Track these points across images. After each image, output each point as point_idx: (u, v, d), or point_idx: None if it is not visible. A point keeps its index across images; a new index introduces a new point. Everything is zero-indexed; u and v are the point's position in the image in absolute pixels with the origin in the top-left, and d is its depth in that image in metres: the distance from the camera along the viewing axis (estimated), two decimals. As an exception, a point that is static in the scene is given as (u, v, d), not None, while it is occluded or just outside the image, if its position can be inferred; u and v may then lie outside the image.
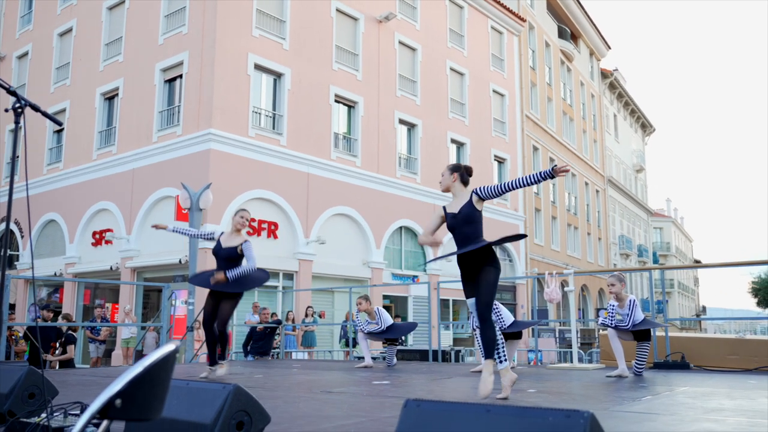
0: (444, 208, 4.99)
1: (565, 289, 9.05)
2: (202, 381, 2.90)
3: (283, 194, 17.56)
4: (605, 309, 7.13)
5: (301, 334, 15.89)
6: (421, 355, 11.52)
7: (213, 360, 6.69)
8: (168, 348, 1.59)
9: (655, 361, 8.05)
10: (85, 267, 19.02)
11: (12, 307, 19.42)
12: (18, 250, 22.01)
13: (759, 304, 37.41)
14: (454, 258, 4.88)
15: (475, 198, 4.78)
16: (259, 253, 15.87)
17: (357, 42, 20.60)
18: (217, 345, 6.71)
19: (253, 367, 9.48)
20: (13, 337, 12.23)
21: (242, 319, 15.19)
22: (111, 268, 18.01)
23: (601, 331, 11.90)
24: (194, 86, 16.79)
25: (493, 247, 4.78)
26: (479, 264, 4.72)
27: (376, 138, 20.70)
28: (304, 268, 17.94)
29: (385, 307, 18.87)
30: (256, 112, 17.52)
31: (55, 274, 19.43)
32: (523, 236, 5.13)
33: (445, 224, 4.99)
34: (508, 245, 26.31)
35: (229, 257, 6.61)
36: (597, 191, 39.22)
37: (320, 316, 17.38)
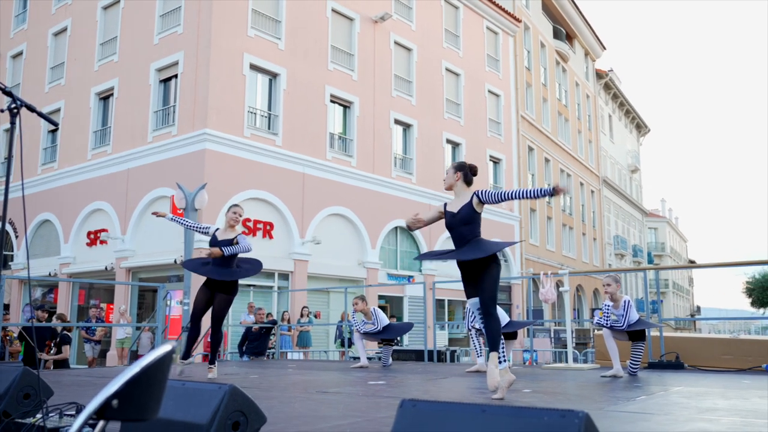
0: (445, 205, 5.00)
1: (560, 289, 9.07)
2: (197, 381, 2.89)
3: (278, 194, 17.55)
4: (600, 309, 7.15)
5: (296, 335, 15.88)
6: (417, 356, 11.53)
7: (188, 353, 6.67)
8: (164, 349, 1.59)
9: (649, 361, 8.08)
10: (80, 267, 18.97)
11: (6, 307, 19.36)
12: (12, 250, 21.94)
13: (753, 304, 37.54)
14: (451, 259, 4.90)
15: (475, 200, 4.80)
16: (255, 253, 15.84)
17: (352, 42, 20.60)
18: (197, 340, 6.71)
19: (249, 367, 9.48)
20: (8, 338, 12.19)
21: (237, 320, 15.18)
22: (106, 268, 17.97)
23: (596, 331, 11.93)
24: (189, 86, 16.77)
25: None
26: (481, 262, 4.74)
27: (371, 138, 20.71)
28: (299, 268, 17.93)
29: (380, 307, 18.87)
30: (251, 112, 17.50)
31: (50, 274, 19.38)
32: (519, 241, 5.19)
33: (442, 220, 5.01)
34: (503, 245, 26.31)
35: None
36: (592, 191, 39.30)
37: (316, 317, 17.37)
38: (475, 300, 4.82)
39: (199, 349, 11.91)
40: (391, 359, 9.38)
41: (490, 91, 26.73)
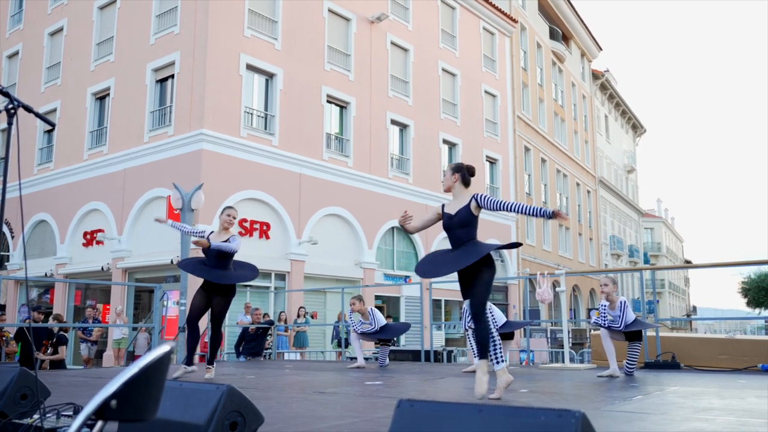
0: (443, 206, 5.01)
1: (557, 289, 9.09)
2: (195, 382, 2.90)
3: (275, 195, 17.55)
4: (597, 309, 7.18)
5: (293, 335, 15.88)
6: (414, 356, 11.53)
7: (190, 359, 6.58)
8: (163, 349, 1.60)
9: (645, 361, 8.10)
10: (76, 267, 18.93)
11: (2, 307, 19.32)
12: (8, 251, 21.89)
13: (749, 304, 37.62)
14: (449, 272, 4.91)
15: (473, 204, 4.80)
16: (252, 254, 15.85)
17: (349, 42, 20.60)
18: (197, 344, 6.65)
19: (246, 367, 9.48)
20: (4, 338, 12.17)
21: (234, 320, 15.17)
22: (102, 268, 17.94)
23: (592, 331, 11.95)
24: (186, 86, 16.75)
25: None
26: (474, 265, 4.74)
27: (368, 138, 20.71)
28: (296, 269, 17.92)
29: (377, 307, 18.88)
30: (247, 113, 17.49)
31: (46, 274, 19.34)
32: (518, 245, 5.13)
33: (440, 222, 5.02)
34: (499, 246, 26.33)
35: (218, 253, 6.58)
36: (588, 192, 39.36)
37: (312, 317, 17.37)
38: (468, 303, 4.82)
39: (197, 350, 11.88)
40: (387, 359, 9.39)
41: (486, 92, 26.76)
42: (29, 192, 20.50)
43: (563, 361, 9.14)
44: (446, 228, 4.91)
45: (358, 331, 9.06)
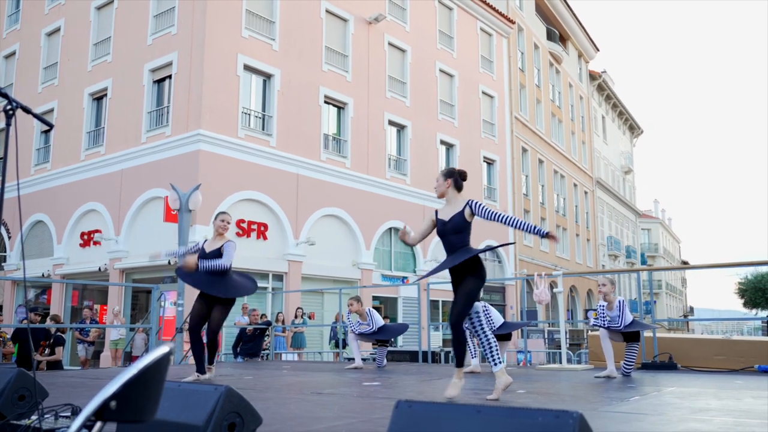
0: (436, 212, 5.01)
1: (554, 290, 9.09)
2: (193, 383, 2.90)
3: (272, 195, 17.54)
4: (594, 310, 7.19)
5: (290, 336, 15.87)
6: (411, 356, 11.54)
7: (201, 368, 6.54)
8: (162, 350, 1.61)
9: (643, 361, 8.11)
10: (74, 268, 18.91)
11: (-1, 308, 19.30)
12: (5, 251, 21.85)
13: (745, 305, 37.65)
14: (441, 270, 4.94)
15: (467, 210, 4.81)
16: (249, 255, 15.85)
17: (347, 43, 20.61)
18: (204, 352, 6.60)
19: (243, 368, 9.47)
20: (1, 339, 12.15)
21: (232, 321, 15.15)
22: (99, 269, 17.92)
23: (590, 332, 11.97)
24: (183, 87, 16.74)
25: (480, 254, 4.81)
26: (464, 272, 4.76)
27: (365, 139, 20.72)
28: (293, 269, 17.92)
29: (375, 308, 18.87)
30: (245, 113, 17.49)
31: (43, 275, 19.31)
32: (510, 243, 5.15)
33: (435, 229, 5.03)
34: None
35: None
36: (585, 192, 39.41)
37: (310, 318, 17.36)
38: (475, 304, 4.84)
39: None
40: (385, 360, 9.39)
41: (483, 93, 26.78)
42: (26, 192, 20.46)
43: (561, 362, 9.15)
44: (440, 234, 4.93)
45: (356, 332, 9.06)
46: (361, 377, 7.27)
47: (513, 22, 29.42)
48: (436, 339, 21.32)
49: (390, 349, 11.20)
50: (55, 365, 10.68)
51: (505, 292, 27.10)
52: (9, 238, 21.66)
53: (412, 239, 5.12)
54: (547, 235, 4.65)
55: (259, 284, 17.32)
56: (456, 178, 4.97)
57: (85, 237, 18.82)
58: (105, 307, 17.69)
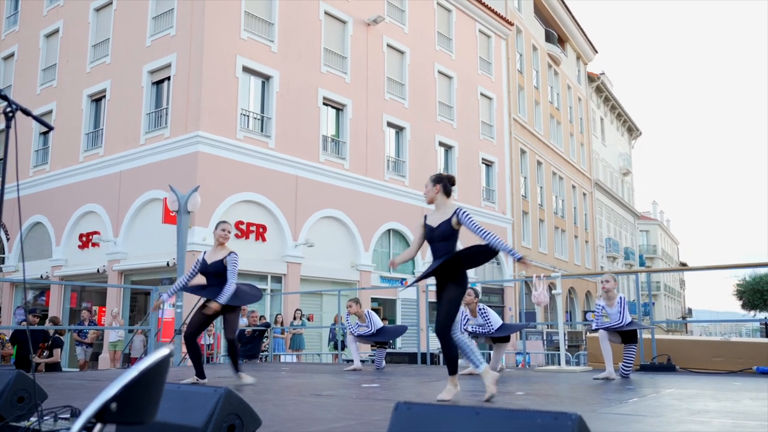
0: (425, 217, 5.03)
1: (553, 291, 9.10)
2: (194, 384, 2.90)
3: (271, 197, 17.54)
4: (593, 311, 7.19)
5: (289, 337, 15.86)
6: (410, 358, 11.53)
7: (201, 372, 6.50)
8: (162, 352, 1.61)
9: (641, 363, 8.12)
10: (72, 270, 18.89)
11: (-3, 310, 19.27)
12: (3, 253, 21.83)
13: (744, 306, 37.66)
14: (427, 275, 4.98)
15: (455, 219, 4.83)
16: (248, 256, 15.83)
17: (345, 45, 20.62)
18: (201, 355, 6.58)
19: (242, 370, 9.45)
20: (0, 341, 12.14)
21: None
22: (98, 270, 17.90)
23: (588, 333, 11.98)
24: (182, 88, 16.74)
25: (466, 263, 4.83)
26: (446, 279, 4.78)
27: (364, 141, 20.73)
28: (292, 271, 17.91)
29: (373, 309, 18.88)
30: (244, 115, 17.49)
31: (42, 276, 19.29)
32: (493, 254, 5.00)
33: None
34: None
35: (217, 272, 6.39)
36: (584, 194, 39.43)
37: (309, 319, 17.36)
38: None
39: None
40: (384, 362, 9.39)
41: (482, 94, 26.80)
42: (25, 194, 20.44)
43: (559, 364, 9.16)
44: (429, 240, 4.96)
45: (355, 334, 9.06)
46: (360, 379, 7.27)
47: (511, 24, 29.45)
48: (435, 341, 21.27)
49: (389, 350, 11.20)
50: (54, 367, 10.67)
51: (503, 293, 27.10)
52: (8, 239, 21.64)
53: (409, 253, 5.18)
54: (520, 260, 4.70)
55: (258, 286, 17.39)
56: (445, 183, 5.00)
57: (84, 238, 18.81)
58: (104, 309, 17.67)
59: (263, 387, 6.25)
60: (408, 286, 5.58)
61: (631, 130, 55.54)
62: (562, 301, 9.25)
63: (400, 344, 19.23)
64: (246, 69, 17.53)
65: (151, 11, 18.16)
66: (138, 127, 17.72)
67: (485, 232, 4.73)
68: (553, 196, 34.13)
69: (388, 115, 21.79)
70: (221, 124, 16.58)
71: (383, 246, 21.49)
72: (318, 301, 19.00)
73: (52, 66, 21.33)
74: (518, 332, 14.16)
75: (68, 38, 20.86)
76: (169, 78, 17.30)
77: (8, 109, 3.17)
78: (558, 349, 10.04)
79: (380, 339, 9.12)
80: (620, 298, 6.88)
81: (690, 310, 72.86)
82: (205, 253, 6.62)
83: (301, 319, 15.96)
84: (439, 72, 24.46)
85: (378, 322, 9.07)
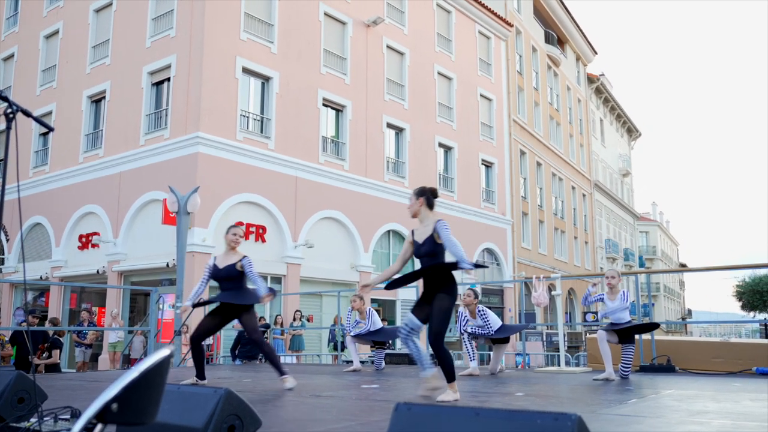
0: (413, 232, 5.03)
1: (553, 292, 9.11)
2: (194, 385, 2.91)
3: (271, 198, 17.54)
4: (597, 298, 7.27)
5: (289, 338, 15.86)
6: (410, 359, 11.52)
7: (202, 374, 6.48)
8: (163, 353, 1.61)
9: (641, 364, 8.13)
10: (72, 271, 18.89)
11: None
12: (3, 254, 21.83)
13: (743, 307, 37.64)
14: (411, 281, 5.01)
15: (436, 234, 4.83)
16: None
17: (345, 46, 20.63)
18: (204, 357, 6.54)
19: (242, 371, 9.48)
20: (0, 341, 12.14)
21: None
22: (98, 271, 17.90)
23: (588, 334, 11.98)
24: (182, 89, 16.75)
25: (454, 271, 4.84)
26: (436, 289, 4.79)
27: (364, 142, 20.73)
28: (292, 272, 17.91)
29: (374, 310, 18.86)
30: (244, 116, 17.50)
31: (41, 277, 19.28)
32: (479, 266, 4.98)
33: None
34: (495, 248, 26.39)
35: (229, 276, 6.28)
36: (584, 195, 39.44)
37: (308, 320, 17.35)
38: (412, 317, 4.87)
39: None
40: (384, 363, 9.40)
41: (482, 95, 26.81)
42: (25, 195, 20.44)
43: (559, 365, 9.16)
44: (416, 255, 4.98)
45: (352, 334, 9.08)
46: (359, 380, 7.27)
47: (511, 25, 29.47)
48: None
49: (388, 351, 11.20)
50: (53, 368, 10.68)
51: (503, 294, 27.09)
52: (7, 240, 21.64)
53: (389, 271, 5.15)
54: (476, 266, 4.69)
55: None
56: (428, 196, 5.00)
57: (84, 239, 18.80)
58: (103, 310, 17.67)
59: (263, 388, 6.25)
60: (385, 288, 5.53)
61: (631, 131, 55.56)
62: (562, 302, 9.27)
63: (400, 345, 19.22)
64: (246, 70, 17.53)
65: (151, 12, 18.17)
66: (138, 128, 17.72)
67: (455, 249, 4.71)
68: (553, 197, 34.14)
69: (388, 116, 21.79)
70: (221, 125, 16.59)
71: (383, 247, 21.49)
72: (318, 302, 19.00)
73: (51, 67, 21.33)
74: (518, 333, 14.18)
75: (68, 39, 20.86)
76: (168, 79, 17.31)
77: (9, 110, 3.17)
78: (558, 350, 10.04)
79: (378, 338, 9.14)
80: (623, 292, 6.93)
81: (690, 311, 72.86)
82: (215, 258, 6.52)
83: (300, 320, 15.96)
84: (439, 73, 24.47)
85: (378, 322, 9.10)
